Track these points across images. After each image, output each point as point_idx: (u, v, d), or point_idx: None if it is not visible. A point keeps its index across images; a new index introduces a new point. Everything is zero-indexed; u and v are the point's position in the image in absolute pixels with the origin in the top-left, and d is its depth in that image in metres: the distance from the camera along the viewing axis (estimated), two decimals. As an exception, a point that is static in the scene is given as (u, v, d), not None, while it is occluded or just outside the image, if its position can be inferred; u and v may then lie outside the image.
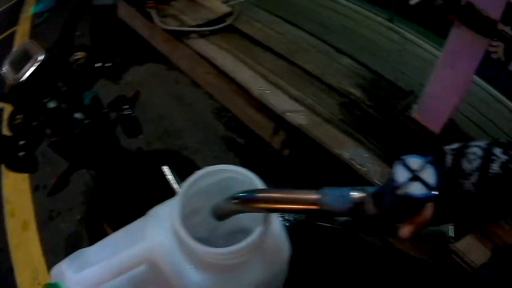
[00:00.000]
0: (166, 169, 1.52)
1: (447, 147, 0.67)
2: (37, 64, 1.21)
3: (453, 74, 2.86)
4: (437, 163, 0.63)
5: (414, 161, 0.61)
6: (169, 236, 0.87)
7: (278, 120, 3.36)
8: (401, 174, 0.59)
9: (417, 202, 0.59)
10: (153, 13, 4.41)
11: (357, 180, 2.96)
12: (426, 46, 4.66)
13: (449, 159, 0.64)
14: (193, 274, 0.86)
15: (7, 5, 8.49)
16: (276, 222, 0.87)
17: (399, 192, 0.58)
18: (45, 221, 3.52)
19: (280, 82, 3.63)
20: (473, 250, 2.48)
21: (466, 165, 0.61)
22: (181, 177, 1.56)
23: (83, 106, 1.36)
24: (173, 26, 4.33)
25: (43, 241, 3.48)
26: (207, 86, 3.94)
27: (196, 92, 3.97)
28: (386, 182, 0.62)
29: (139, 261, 0.90)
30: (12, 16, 7.58)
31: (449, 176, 0.62)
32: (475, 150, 0.62)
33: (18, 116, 1.24)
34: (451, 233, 0.73)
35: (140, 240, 0.91)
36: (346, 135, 3.20)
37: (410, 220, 0.64)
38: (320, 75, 3.73)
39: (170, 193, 1.49)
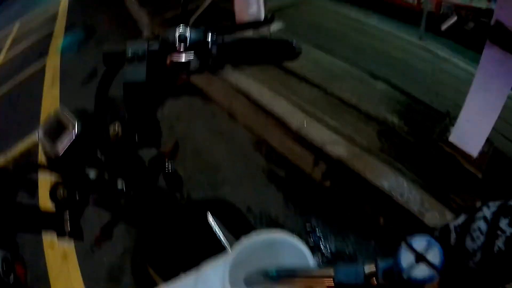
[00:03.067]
0: (211, 220, 1.55)
1: (452, 223, 0.69)
2: (73, 137, 1.21)
3: (487, 97, 2.86)
4: (442, 240, 0.66)
5: (420, 242, 0.64)
6: None
7: (318, 152, 3.38)
8: (405, 258, 0.63)
9: (422, 283, 0.62)
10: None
11: (397, 209, 2.97)
12: (460, 63, 4.63)
13: (453, 237, 0.66)
14: None
15: (36, 39, 8.67)
16: None
17: (404, 275, 0.61)
18: (86, 253, 3.55)
19: (318, 113, 3.65)
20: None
21: (470, 244, 0.63)
22: (224, 222, 1.59)
23: (124, 170, 1.39)
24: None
25: (83, 273, 3.53)
26: (245, 119, 3.98)
27: (234, 125, 4.01)
28: (393, 260, 0.65)
29: None
30: (42, 48, 7.73)
31: (453, 255, 0.64)
32: (480, 224, 0.63)
33: (60, 188, 1.27)
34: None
35: None
36: (385, 164, 3.20)
37: None
38: (356, 104, 3.76)
39: (215, 241, 1.52)
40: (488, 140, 3.10)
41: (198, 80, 4.42)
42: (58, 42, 7.84)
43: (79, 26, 8.32)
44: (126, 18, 7.62)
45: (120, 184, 1.35)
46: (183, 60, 1.14)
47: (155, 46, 1.17)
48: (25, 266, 1.16)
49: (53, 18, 9.66)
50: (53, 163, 1.25)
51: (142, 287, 1.16)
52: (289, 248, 0.94)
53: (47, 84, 6.11)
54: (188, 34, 1.15)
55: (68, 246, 3.68)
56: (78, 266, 3.54)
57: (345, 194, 3.26)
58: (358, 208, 3.16)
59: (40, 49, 7.76)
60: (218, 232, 1.53)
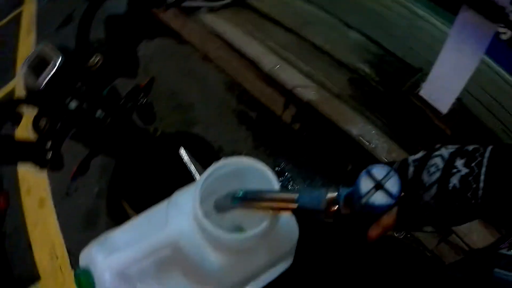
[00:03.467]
0: (183, 152, 1.59)
1: (411, 158, 0.73)
2: (55, 69, 1.25)
3: (460, 57, 2.88)
4: (401, 172, 0.69)
5: (379, 171, 0.65)
6: (191, 223, 0.96)
7: (289, 95, 3.41)
8: (364, 184, 0.65)
9: (378, 210, 0.65)
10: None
11: (365, 155, 3.04)
12: (436, 22, 4.63)
13: (411, 170, 0.70)
14: (211, 256, 0.96)
15: None
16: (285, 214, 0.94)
17: (362, 201, 0.64)
18: (62, 197, 3.55)
19: (291, 57, 3.66)
20: (474, 232, 2.56)
21: (426, 178, 0.67)
22: (197, 158, 1.63)
23: (102, 101, 1.42)
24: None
25: (60, 217, 3.54)
26: (218, 60, 3.97)
27: (207, 67, 4.00)
28: (354, 187, 0.67)
29: (164, 245, 0.99)
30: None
31: (410, 187, 0.68)
32: (437, 161, 0.67)
33: (42, 119, 1.29)
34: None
35: (165, 227, 0.99)
36: (354, 111, 3.26)
37: (375, 224, 0.72)
38: (329, 50, 3.77)
39: (187, 175, 1.58)
40: (459, 100, 3.15)
41: (173, 21, 4.38)
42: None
43: None
44: None
45: (99, 113, 1.39)
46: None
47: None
48: (8, 198, 1.19)
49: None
50: (35, 96, 1.29)
51: (118, 224, 1.18)
52: (256, 174, 0.97)
53: (23, 32, 5.99)
54: None
55: (44, 192, 3.68)
56: (54, 212, 3.56)
57: (314, 137, 3.32)
58: (326, 152, 3.22)
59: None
60: (189, 164, 1.57)
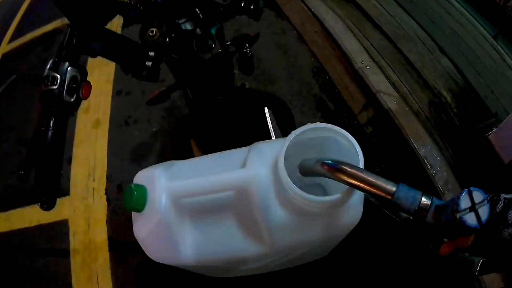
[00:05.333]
0: (267, 111, 1.63)
1: (503, 195, 0.80)
2: None
3: None
4: (492, 203, 0.75)
5: (477, 195, 0.73)
6: (269, 171, 0.99)
7: (371, 97, 3.48)
8: (464, 202, 0.72)
9: (466, 229, 0.72)
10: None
11: (423, 178, 3.08)
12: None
13: (500, 205, 0.76)
14: (278, 210, 0.98)
15: None
16: (358, 194, 0.96)
17: (458, 215, 0.71)
18: (120, 124, 3.59)
19: (382, 62, 3.72)
20: (496, 283, 2.59)
21: (510, 216, 0.73)
22: (278, 122, 1.67)
23: (212, 36, 1.44)
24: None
25: (111, 143, 3.61)
26: (312, 44, 4.03)
27: (300, 47, 4.07)
28: (450, 201, 0.74)
29: (232, 186, 0.99)
30: None
31: (495, 219, 0.74)
32: None
33: (152, 30, 1.34)
34: (477, 266, 0.80)
35: (240, 167, 1.01)
36: (426, 132, 3.30)
37: (454, 240, 0.79)
38: (419, 68, 3.81)
39: (264, 132, 1.59)
40: None
41: (277, -6, 4.44)
42: None
43: None
44: None
45: (210, 42, 1.43)
46: None
47: None
48: (91, 87, 1.24)
49: None
50: (152, 7, 1.33)
51: (177, 156, 1.21)
52: (342, 146, 1.00)
53: None
54: None
55: (103, 115, 3.73)
56: (107, 135, 3.61)
57: (382, 144, 3.39)
58: (388, 161, 3.29)
59: None
60: (270, 124, 1.61)
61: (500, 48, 4.98)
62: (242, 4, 1.41)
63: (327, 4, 4.15)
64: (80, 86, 1.16)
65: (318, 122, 0.99)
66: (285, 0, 4.39)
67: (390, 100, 3.40)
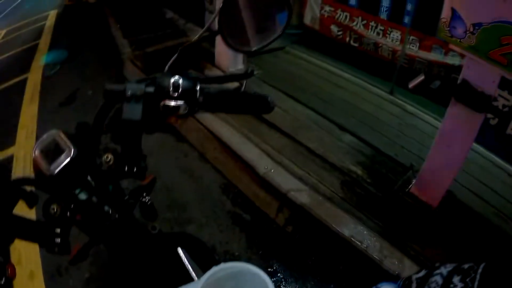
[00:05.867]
0: (181, 252, 1.63)
1: (414, 275, 0.83)
2: (69, 159, 1.27)
3: (449, 151, 2.99)
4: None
5: None
6: None
7: (282, 199, 3.50)
8: None
9: None
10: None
11: (357, 255, 3.09)
12: (427, 117, 4.77)
13: (413, 287, 0.79)
14: None
15: (19, 49, 8.69)
16: None
17: None
18: (53, 274, 3.51)
19: (285, 161, 3.78)
20: None
21: None
22: (194, 259, 1.66)
23: (109, 196, 1.48)
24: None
25: None
26: (215, 161, 4.08)
27: (204, 166, 4.10)
28: None
29: None
30: (24, 62, 7.75)
31: None
32: (437, 278, 0.77)
33: (53, 206, 1.35)
34: None
35: None
36: (346, 213, 3.33)
37: None
38: (322, 154, 3.89)
39: (184, 274, 1.60)
40: (449, 192, 3.25)
41: (173, 118, 4.49)
42: (41, 57, 7.87)
43: (63, 44, 8.38)
44: (109, 45, 7.74)
45: (107, 208, 1.44)
46: (174, 105, 1.27)
47: (150, 89, 1.29)
48: (15, 268, 1.25)
49: (39, 32, 9.74)
50: (46, 181, 1.35)
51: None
52: (253, 280, 1.01)
53: (26, 99, 6.13)
54: (180, 83, 1.29)
55: (35, 265, 3.66)
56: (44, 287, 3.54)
57: (307, 239, 3.37)
58: (318, 253, 3.27)
59: (23, 62, 7.78)
60: (187, 264, 1.61)
61: (398, 100, 5.19)
62: (126, 169, 1.43)
63: (221, 118, 4.24)
64: (5, 269, 1.15)
65: (229, 262, 1.02)
66: (181, 123, 4.46)
67: (301, 196, 3.43)
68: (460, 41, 2.70)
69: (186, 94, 1.29)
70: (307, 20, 7.38)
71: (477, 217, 3.35)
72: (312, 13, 7.27)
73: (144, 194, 1.71)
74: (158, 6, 9.88)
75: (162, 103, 1.28)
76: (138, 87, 1.29)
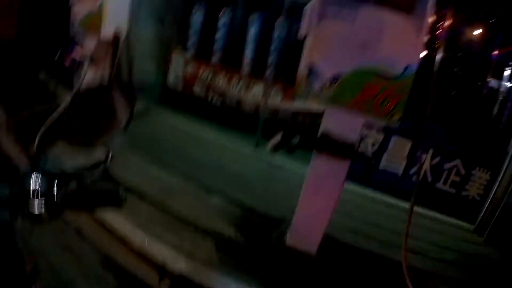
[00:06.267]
0: None
1: None
2: None
3: (319, 198, 3.13)
4: None
5: None
6: None
7: (161, 269, 3.58)
8: None
9: None
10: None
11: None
12: (293, 168, 5.10)
13: None
14: None
15: None
16: None
17: None
18: None
19: (157, 230, 3.85)
20: None
21: None
22: None
23: None
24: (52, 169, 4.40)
25: None
26: (91, 237, 4.04)
27: (82, 242, 4.03)
28: None
29: None
30: None
31: None
32: None
33: None
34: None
35: None
36: (228, 275, 3.46)
37: None
38: (193, 220, 4.04)
39: None
40: (326, 235, 3.36)
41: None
42: None
43: None
44: None
45: None
46: (35, 209, 1.44)
47: (15, 189, 1.44)
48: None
49: None
50: None
51: None
52: None
53: None
54: (39, 186, 1.46)
55: None
56: None
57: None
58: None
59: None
60: None
61: (263, 156, 5.42)
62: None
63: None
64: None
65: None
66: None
67: (178, 264, 3.56)
68: (318, 95, 2.86)
69: (46, 196, 1.45)
70: (170, 79, 7.54)
71: (359, 252, 3.62)
72: (175, 72, 7.45)
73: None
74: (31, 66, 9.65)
75: (25, 208, 1.44)
76: (4, 189, 1.43)
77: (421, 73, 2.77)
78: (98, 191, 1.65)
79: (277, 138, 3.28)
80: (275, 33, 6.65)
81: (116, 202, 1.54)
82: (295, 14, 6.27)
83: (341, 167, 3.03)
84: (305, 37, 2.94)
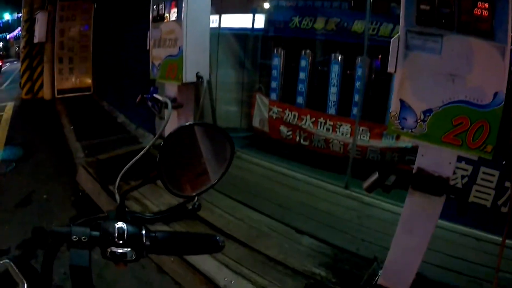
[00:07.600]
0: None
1: None
2: None
3: (412, 237, 2.96)
4: None
5: None
6: None
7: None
8: None
9: None
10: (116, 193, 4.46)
11: None
12: (384, 205, 4.80)
13: None
14: None
15: None
16: None
17: None
18: None
19: (244, 271, 3.66)
20: None
21: None
22: None
23: None
24: (135, 210, 4.45)
25: None
26: (174, 274, 3.93)
27: (164, 279, 3.95)
28: None
29: None
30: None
31: None
32: None
33: None
34: None
35: None
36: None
37: None
38: (282, 260, 3.81)
39: None
40: (418, 274, 3.14)
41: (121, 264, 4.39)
42: (-2, 151, 7.80)
43: (18, 140, 8.48)
44: (62, 147, 7.88)
45: None
46: (120, 252, 1.25)
47: (96, 233, 1.26)
48: None
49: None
50: None
51: None
52: None
53: None
54: (125, 229, 1.27)
55: None
56: None
57: None
58: None
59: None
60: None
61: (354, 193, 5.21)
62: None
63: (175, 229, 4.11)
64: None
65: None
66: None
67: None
68: (411, 131, 2.76)
69: (132, 241, 1.27)
70: (255, 122, 7.54)
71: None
72: (260, 115, 7.43)
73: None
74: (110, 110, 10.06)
75: (108, 250, 1.25)
76: (83, 232, 1.26)
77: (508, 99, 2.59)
78: (195, 236, 1.50)
79: (373, 177, 3.05)
80: (357, 71, 6.60)
81: (215, 247, 1.36)
82: (375, 51, 6.33)
83: (436, 204, 2.85)
84: (394, 72, 2.87)
